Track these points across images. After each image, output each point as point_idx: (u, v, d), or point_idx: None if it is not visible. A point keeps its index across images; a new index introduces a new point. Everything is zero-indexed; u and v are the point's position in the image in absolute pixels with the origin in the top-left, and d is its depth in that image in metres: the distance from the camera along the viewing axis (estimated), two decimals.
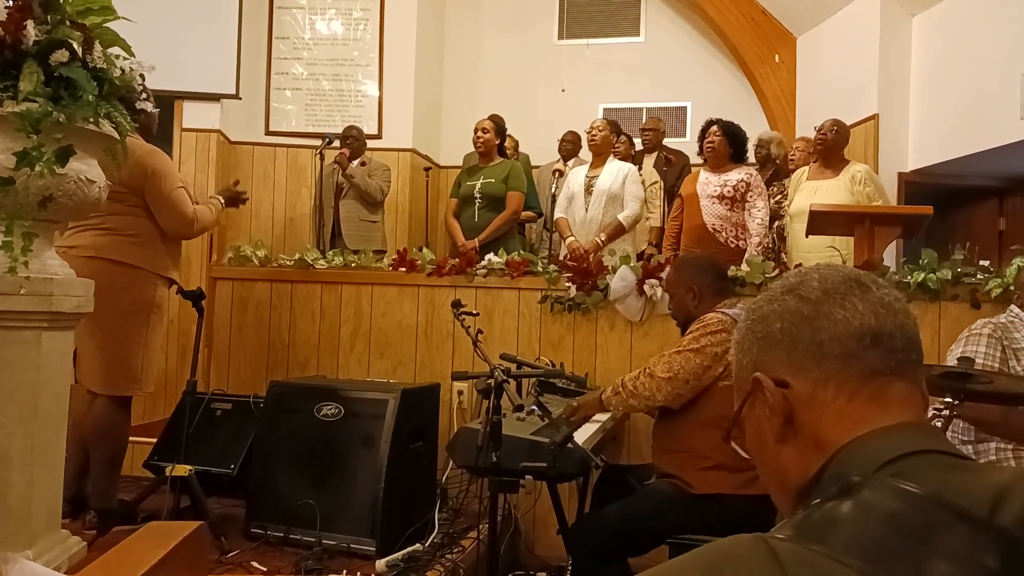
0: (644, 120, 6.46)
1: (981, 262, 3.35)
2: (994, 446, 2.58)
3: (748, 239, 4.18)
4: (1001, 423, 2.52)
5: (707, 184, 4.28)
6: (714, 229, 4.22)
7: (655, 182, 5.33)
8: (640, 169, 5.38)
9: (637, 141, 5.88)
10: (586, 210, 4.41)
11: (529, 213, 5.18)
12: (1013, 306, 2.77)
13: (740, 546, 0.67)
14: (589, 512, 2.86)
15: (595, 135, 4.50)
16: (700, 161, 4.60)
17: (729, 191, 4.21)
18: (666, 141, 6.01)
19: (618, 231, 4.33)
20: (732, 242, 4.20)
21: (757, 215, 4.19)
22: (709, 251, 3.85)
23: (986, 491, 0.67)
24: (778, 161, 5.11)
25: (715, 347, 2.45)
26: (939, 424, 2.11)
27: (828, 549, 0.64)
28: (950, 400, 2.21)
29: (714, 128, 4.33)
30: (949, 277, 3.30)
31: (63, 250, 2.71)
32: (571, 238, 4.41)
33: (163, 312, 3.10)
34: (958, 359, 2.52)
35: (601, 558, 2.38)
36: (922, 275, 3.31)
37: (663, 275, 3.54)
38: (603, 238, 4.29)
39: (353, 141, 5.12)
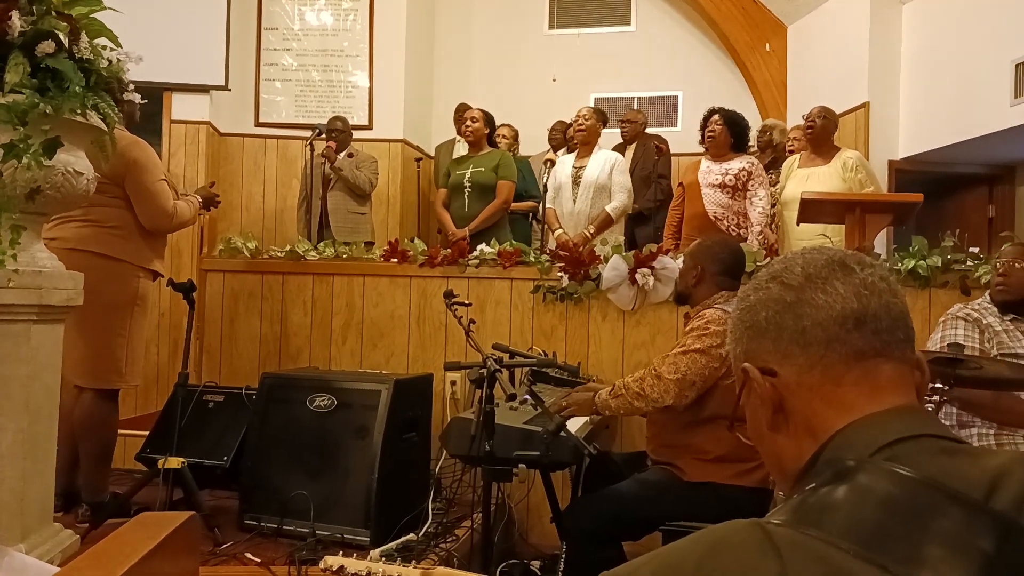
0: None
1: (971, 249, 3.38)
2: (976, 431, 2.59)
3: (749, 227, 4.21)
4: (992, 405, 2.54)
5: (708, 173, 4.29)
6: (715, 217, 4.23)
7: None
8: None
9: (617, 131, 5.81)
10: (574, 202, 4.39)
11: (531, 203, 5.16)
12: (988, 294, 2.80)
13: (736, 531, 0.67)
14: (581, 496, 2.87)
15: (581, 125, 4.48)
16: (687, 151, 4.58)
17: (731, 180, 4.22)
18: (659, 131, 5.98)
19: (606, 223, 4.32)
20: (733, 230, 4.21)
21: (759, 204, 4.22)
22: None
23: (982, 475, 0.68)
24: (780, 148, 5.11)
25: (720, 348, 2.41)
26: (931, 409, 2.13)
27: (824, 533, 0.64)
28: (940, 385, 2.22)
29: (716, 117, 4.34)
30: (939, 264, 3.32)
31: (44, 242, 2.68)
32: (559, 231, 4.39)
33: (147, 305, 3.07)
34: (948, 345, 2.54)
35: (594, 541, 2.38)
36: (912, 262, 3.33)
37: (655, 264, 3.55)
38: (592, 231, 4.28)
39: (339, 133, 5.07)
